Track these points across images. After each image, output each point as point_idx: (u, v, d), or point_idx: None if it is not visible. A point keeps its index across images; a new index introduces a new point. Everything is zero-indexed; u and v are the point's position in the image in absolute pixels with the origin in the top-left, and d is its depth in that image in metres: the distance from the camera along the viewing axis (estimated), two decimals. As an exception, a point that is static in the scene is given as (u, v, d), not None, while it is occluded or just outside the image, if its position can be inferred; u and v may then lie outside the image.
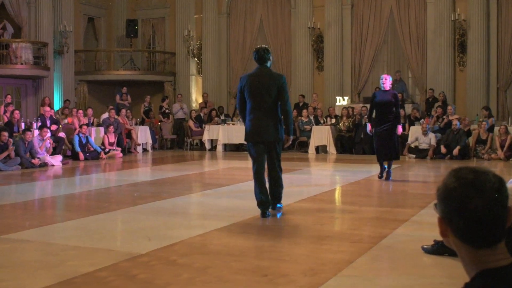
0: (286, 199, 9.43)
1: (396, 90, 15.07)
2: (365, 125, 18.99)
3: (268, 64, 8.19)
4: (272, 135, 8.07)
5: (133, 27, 26.41)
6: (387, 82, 12.10)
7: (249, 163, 17.73)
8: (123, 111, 21.24)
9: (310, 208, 8.92)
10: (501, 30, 21.38)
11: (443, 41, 21.58)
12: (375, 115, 12.22)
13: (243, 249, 6.25)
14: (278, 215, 8.22)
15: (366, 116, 19.24)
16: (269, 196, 8.15)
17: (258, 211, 8.21)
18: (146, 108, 23.62)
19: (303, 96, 22.67)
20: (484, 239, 1.83)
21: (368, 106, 19.73)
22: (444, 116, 19.13)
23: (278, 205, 8.36)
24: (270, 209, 8.20)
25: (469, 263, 1.87)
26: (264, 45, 8.43)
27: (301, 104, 22.25)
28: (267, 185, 8.23)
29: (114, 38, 27.59)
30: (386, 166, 12.43)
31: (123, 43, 27.35)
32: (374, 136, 12.25)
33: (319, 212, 8.58)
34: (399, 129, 12.22)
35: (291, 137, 8.43)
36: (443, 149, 17.61)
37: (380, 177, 12.53)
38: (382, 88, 12.12)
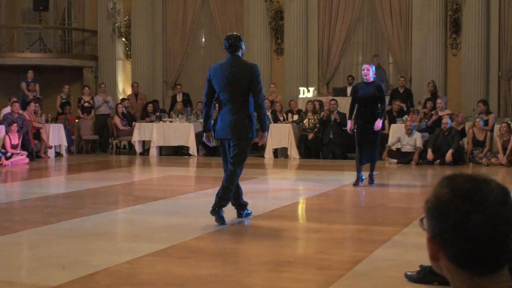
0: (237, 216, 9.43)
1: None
2: (335, 122, 19.22)
3: (240, 53, 9.14)
4: (242, 132, 8.94)
5: (42, -2, 26.13)
6: (370, 73, 12.87)
7: (189, 171, 17.74)
8: (32, 104, 20.99)
9: (267, 227, 8.93)
10: (504, 4, 21.60)
11: (432, 17, 21.77)
12: (356, 112, 12.97)
13: (182, 278, 6.23)
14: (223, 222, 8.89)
15: (335, 112, 19.45)
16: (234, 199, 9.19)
17: (201, 231, 8.26)
18: (63, 100, 23.33)
19: (259, 86, 22.65)
20: (485, 263, 1.83)
21: (337, 99, 20.10)
22: (433, 112, 19.12)
23: (222, 213, 8.94)
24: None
25: (465, 294, 1.87)
26: (235, 33, 9.60)
27: (255, 96, 22.25)
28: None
29: (18, 11, 27.26)
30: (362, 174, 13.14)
31: (29, 18, 27.03)
32: (356, 136, 12.95)
33: (278, 232, 8.59)
34: (378, 123, 12.83)
35: (266, 134, 9.44)
36: (429, 155, 17.55)
37: (356, 184, 13.06)
38: (365, 80, 12.88)
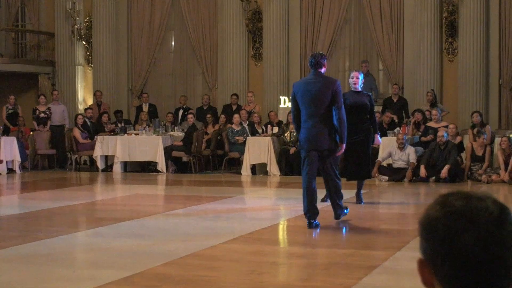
0: (212, 238, 9.41)
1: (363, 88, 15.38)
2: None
3: (323, 70, 10.64)
4: (327, 143, 10.43)
5: (-7, -3, 26.07)
6: (359, 81, 13.05)
7: (157, 189, 17.71)
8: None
9: (244, 251, 8.92)
10: (505, 5, 21.68)
11: (426, 19, 21.83)
12: None
13: (150, 309, 6.20)
14: (346, 211, 11.06)
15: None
16: (317, 207, 10.55)
17: (170, 256, 8.26)
18: (10, 111, 23.20)
19: (236, 95, 22.64)
20: (479, 289, 1.83)
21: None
22: (428, 124, 19.00)
23: (345, 211, 11.06)
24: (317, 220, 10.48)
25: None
26: (320, 51, 11.24)
27: (235, 107, 22.21)
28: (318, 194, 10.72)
29: (-33, 12, 27.17)
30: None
31: (-21, 20, 26.95)
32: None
33: (257, 256, 8.58)
34: (378, 139, 13.50)
35: (344, 145, 10.63)
36: (422, 171, 17.47)
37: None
38: (353, 89, 13.07)
